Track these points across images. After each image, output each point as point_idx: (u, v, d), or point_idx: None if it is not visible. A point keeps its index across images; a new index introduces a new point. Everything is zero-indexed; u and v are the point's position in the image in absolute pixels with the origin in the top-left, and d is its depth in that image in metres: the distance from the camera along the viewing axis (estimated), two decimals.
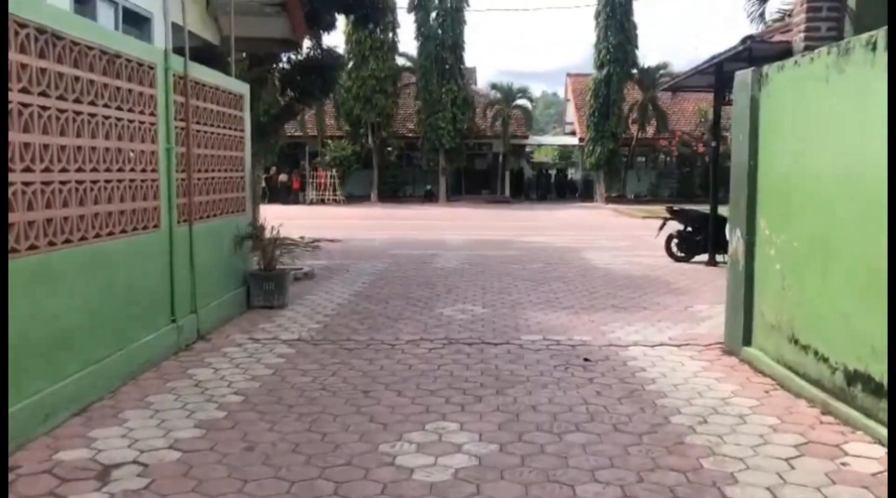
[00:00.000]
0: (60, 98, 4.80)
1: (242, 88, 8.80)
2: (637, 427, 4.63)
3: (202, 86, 7.46)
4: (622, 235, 19.27)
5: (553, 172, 48.42)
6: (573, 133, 44.00)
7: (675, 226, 13.72)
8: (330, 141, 37.42)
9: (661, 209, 30.53)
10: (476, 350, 6.67)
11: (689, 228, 13.52)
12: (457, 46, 36.58)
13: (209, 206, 7.67)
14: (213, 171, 7.78)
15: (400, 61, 37.68)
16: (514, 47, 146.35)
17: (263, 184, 36.92)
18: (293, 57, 16.35)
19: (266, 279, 8.74)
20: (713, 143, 12.83)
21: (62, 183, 4.82)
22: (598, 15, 36.69)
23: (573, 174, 50.98)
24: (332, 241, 17.12)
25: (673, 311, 8.64)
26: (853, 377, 4.63)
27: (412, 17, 36.56)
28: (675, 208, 13.69)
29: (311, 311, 8.62)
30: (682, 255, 13.40)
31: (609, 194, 37.71)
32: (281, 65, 16.77)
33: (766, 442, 4.37)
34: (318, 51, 16.59)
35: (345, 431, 4.57)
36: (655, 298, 9.49)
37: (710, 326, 7.70)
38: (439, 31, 36.29)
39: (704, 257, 13.19)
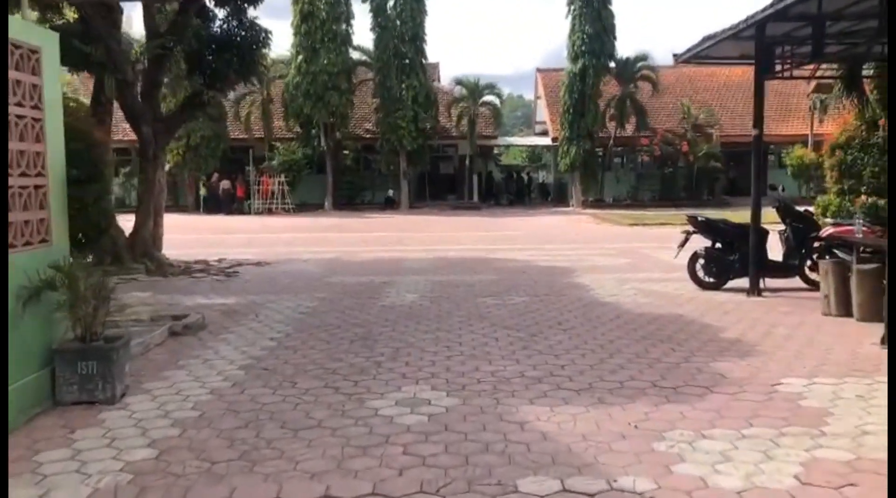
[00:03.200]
0: None
1: (38, 37, 5.26)
2: None
3: None
4: (615, 249, 15.98)
5: (532, 176, 45.46)
6: (545, 133, 40.81)
7: (689, 243, 10.52)
8: (278, 143, 33.79)
9: (647, 215, 27.48)
10: None
11: (719, 245, 10.27)
12: (417, 38, 33.14)
13: None
14: None
15: (355, 55, 34.11)
16: (475, 48, 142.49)
17: (204, 191, 33.43)
18: (202, 32, 12.78)
19: (83, 356, 5.20)
20: (755, 131, 9.56)
21: None
22: (571, 2, 33.55)
23: (545, 177, 47.96)
24: (257, 264, 13.61)
25: (756, 395, 5.28)
26: None
27: (367, 7, 33.08)
28: (699, 218, 10.41)
29: (157, 409, 5.12)
30: (712, 280, 10.14)
31: (586, 198, 34.56)
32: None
33: None
34: (236, 24, 13.07)
35: None
36: (712, 364, 6.15)
37: (850, 439, 4.34)
38: (398, 22, 32.81)
39: (740, 282, 9.97)
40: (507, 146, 51.25)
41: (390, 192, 35.25)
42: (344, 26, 33.00)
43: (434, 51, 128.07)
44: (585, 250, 15.89)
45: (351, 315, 8.57)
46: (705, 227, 10.29)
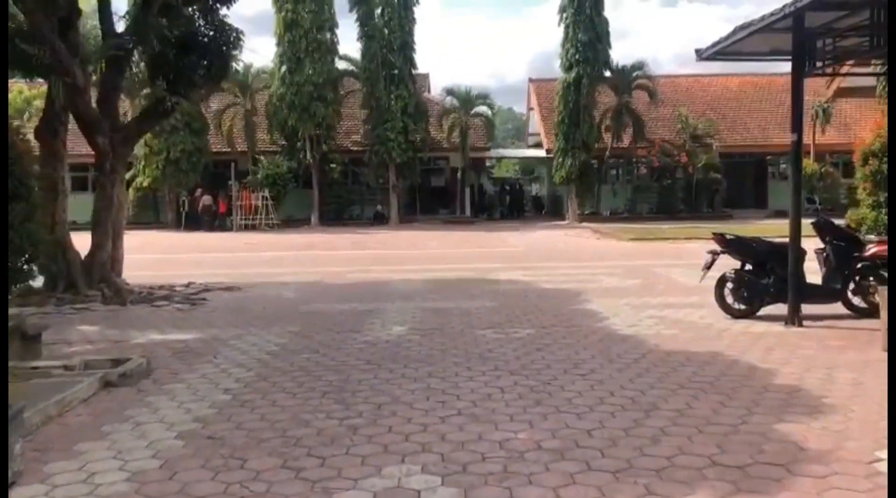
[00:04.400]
0: None
1: None
2: None
3: None
4: (622, 267, 14.72)
5: (525, 189, 44.41)
6: (538, 145, 39.66)
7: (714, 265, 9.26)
8: (262, 157, 32.41)
9: (648, 229, 25.99)
10: None
11: (750, 266, 9.01)
12: (406, 47, 31.96)
13: None
14: None
15: (341, 65, 32.90)
16: (458, 62, 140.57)
17: (186, 208, 32.02)
18: (165, 32, 11.47)
19: None
20: (793, 137, 8.31)
21: None
22: (563, 10, 32.46)
23: (538, 190, 46.82)
24: (228, 288, 12.27)
25: (852, 478, 3.98)
26: None
27: (353, 16, 31.85)
28: (728, 236, 9.14)
29: None
30: (742, 307, 8.87)
31: (582, 211, 33.31)
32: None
33: None
34: (203, 23, 11.80)
35: None
36: (778, 426, 4.85)
37: None
38: (385, 31, 31.61)
39: (772, 309, 8.73)
40: (500, 159, 50.12)
41: (379, 207, 33.97)
42: (329, 35, 31.84)
43: (423, 61, 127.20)
44: (590, 269, 14.62)
45: (327, 355, 7.24)
46: (735, 247, 9.03)
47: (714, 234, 9.28)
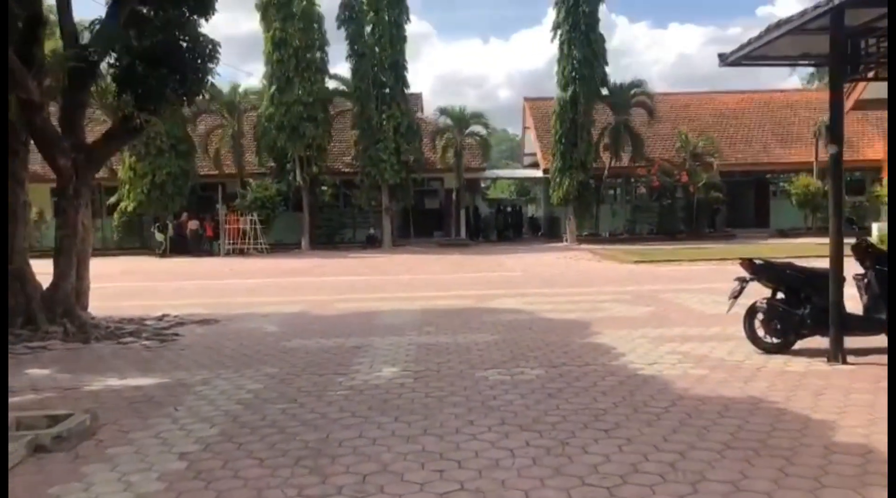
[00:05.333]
0: None
1: None
2: None
3: None
4: (629, 293, 13.74)
5: (527, 209, 43.61)
6: (534, 165, 38.81)
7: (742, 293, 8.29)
8: (251, 179, 31.44)
9: (650, 251, 24.95)
10: None
11: (782, 294, 8.05)
12: (397, 66, 31.06)
13: None
14: None
15: (331, 84, 32.02)
16: (447, 84, 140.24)
17: (171, 232, 30.99)
18: (133, 43, 10.56)
19: None
20: (833, 150, 7.38)
21: None
22: (556, 27, 31.63)
23: (534, 211, 46.03)
24: (204, 321, 11.25)
25: None
26: None
27: (342, 33, 31.08)
28: (757, 262, 8.18)
29: None
30: (775, 340, 7.90)
31: (580, 233, 32.37)
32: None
33: None
34: (179, 34, 10.90)
35: None
36: None
37: None
38: (376, 49, 30.79)
39: (809, 342, 7.78)
40: (495, 179, 49.36)
41: (372, 230, 32.98)
42: (318, 54, 30.98)
43: (416, 80, 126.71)
44: (595, 295, 13.64)
45: (305, 406, 6.22)
46: (765, 273, 8.07)
47: (742, 259, 8.33)
